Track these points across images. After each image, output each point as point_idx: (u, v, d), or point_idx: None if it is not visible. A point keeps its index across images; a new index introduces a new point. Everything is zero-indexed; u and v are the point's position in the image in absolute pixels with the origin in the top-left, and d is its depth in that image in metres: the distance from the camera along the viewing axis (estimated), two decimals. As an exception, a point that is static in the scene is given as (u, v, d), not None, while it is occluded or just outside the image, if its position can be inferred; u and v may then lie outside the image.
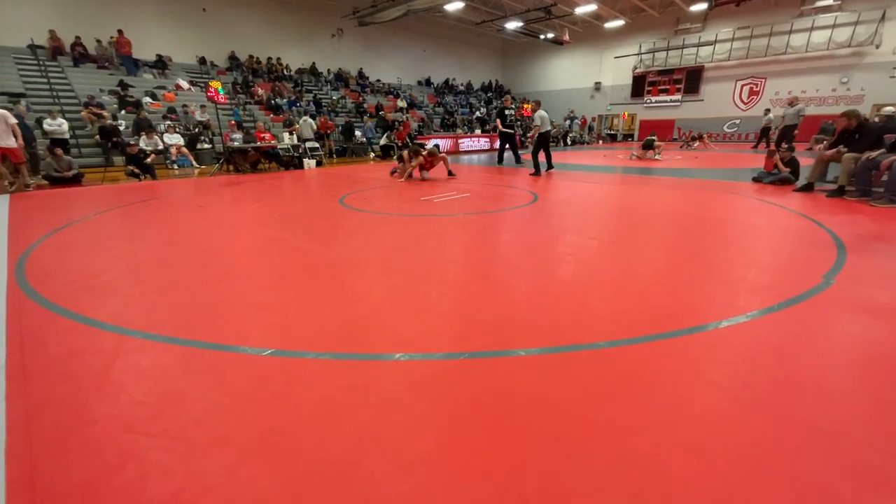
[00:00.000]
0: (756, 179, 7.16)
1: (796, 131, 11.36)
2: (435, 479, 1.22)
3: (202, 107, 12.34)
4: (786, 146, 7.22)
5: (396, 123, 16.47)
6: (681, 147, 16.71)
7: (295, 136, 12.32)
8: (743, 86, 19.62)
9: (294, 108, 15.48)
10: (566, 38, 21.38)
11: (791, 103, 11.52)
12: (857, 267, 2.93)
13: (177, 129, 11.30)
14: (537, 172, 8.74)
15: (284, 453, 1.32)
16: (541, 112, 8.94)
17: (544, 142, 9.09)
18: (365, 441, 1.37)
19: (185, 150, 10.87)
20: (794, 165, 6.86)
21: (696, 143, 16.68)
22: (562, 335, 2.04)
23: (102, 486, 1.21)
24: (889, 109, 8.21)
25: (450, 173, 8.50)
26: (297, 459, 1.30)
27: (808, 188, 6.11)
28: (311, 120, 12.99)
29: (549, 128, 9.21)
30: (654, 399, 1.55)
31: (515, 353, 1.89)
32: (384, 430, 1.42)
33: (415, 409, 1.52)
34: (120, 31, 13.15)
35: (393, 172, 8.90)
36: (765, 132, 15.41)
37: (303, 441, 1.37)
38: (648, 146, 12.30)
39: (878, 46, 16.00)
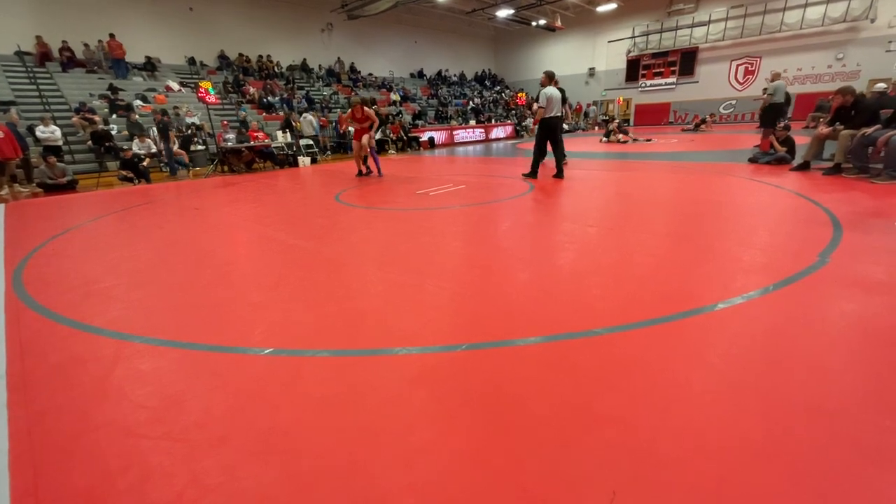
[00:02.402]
0: (752, 160, 7.13)
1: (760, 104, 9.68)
2: (436, 471, 1.23)
3: (189, 111, 12.26)
4: (781, 125, 7.19)
5: (391, 117, 16.38)
6: (684, 130, 16.60)
7: (288, 135, 12.26)
8: (738, 66, 19.44)
9: (286, 105, 15.37)
10: (558, 24, 21.14)
11: (772, 79, 10.12)
12: (853, 244, 2.93)
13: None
14: (533, 173, 6.75)
15: (286, 451, 1.33)
16: (549, 90, 6.32)
17: (550, 131, 6.53)
18: (366, 436, 1.38)
19: (180, 151, 10.81)
20: (790, 144, 6.83)
21: (704, 126, 16.63)
22: (560, 324, 2.05)
23: (106, 491, 1.22)
24: (881, 86, 8.14)
25: (378, 172, 7.85)
26: (298, 457, 1.31)
27: (804, 167, 6.09)
28: (311, 117, 13.05)
29: (557, 112, 6.46)
30: (652, 384, 1.56)
31: (514, 343, 1.90)
32: (385, 424, 1.43)
33: (415, 403, 1.53)
34: (112, 35, 12.98)
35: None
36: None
37: (304, 438, 1.38)
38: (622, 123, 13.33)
39: (873, 21, 15.81)
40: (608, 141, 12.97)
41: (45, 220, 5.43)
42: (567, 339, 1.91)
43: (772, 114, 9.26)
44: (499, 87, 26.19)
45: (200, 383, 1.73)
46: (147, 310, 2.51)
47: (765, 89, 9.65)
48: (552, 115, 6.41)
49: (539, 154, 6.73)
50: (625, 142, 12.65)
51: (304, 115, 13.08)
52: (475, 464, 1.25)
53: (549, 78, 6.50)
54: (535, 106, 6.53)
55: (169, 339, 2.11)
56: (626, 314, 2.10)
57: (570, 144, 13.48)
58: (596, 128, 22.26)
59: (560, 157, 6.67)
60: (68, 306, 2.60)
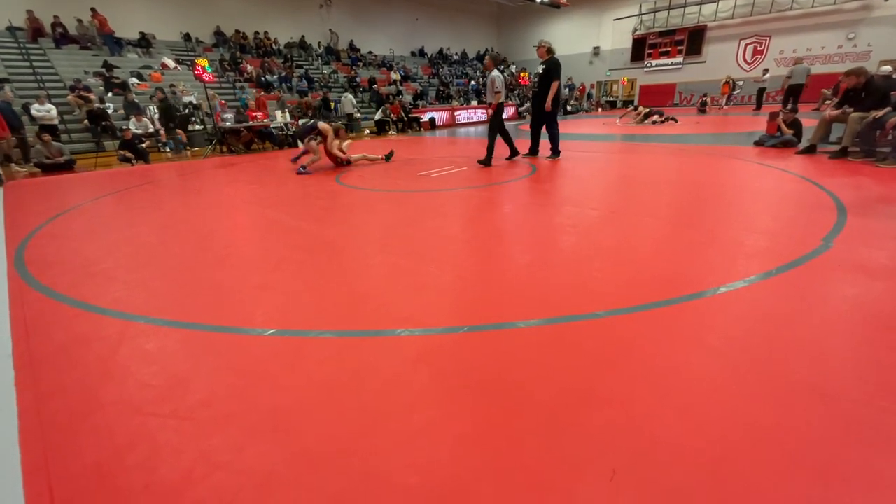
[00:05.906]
0: (758, 143, 7.04)
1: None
2: (438, 450, 1.25)
3: (184, 90, 12.03)
4: (789, 108, 7.07)
5: (391, 97, 16.11)
6: (698, 111, 16.33)
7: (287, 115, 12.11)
8: (747, 45, 18.98)
9: (285, 84, 15.10)
10: None
11: (796, 63, 11.12)
12: (857, 228, 2.91)
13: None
14: (488, 160, 6.38)
15: (290, 430, 1.35)
16: (497, 72, 6.26)
17: (501, 114, 6.51)
18: (369, 416, 1.40)
19: (178, 131, 10.67)
20: (797, 127, 6.73)
21: (709, 106, 16.41)
22: (561, 306, 2.05)
23: (115, 466, 1.24)
24: (886, 69, 8.01)
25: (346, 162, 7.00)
26: (303, 436, 1.33)
27: (810, 150, 6.01)
28: (350, 96, 13.26)
29: (504, 97, 6.43)
30: (652, 366, 1.58)
31: (515, 325, 1.90)
32: (387, 404, 1.45)
33: (417, 384, 1.55)
34: (93, 10, 12.63)
35: (295, 160, 7.30)
36: (760, 93, 15.09)
37: (308, 418, 1.40)
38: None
39: (886, -1, 15.38)
40: (644, 123, 12.79)
41: (45, 201, 5.40)
42: (568, 321, 1.92)
43: (789, 95, 9.39)
44: (501, 67, 25.61)
45: (205, 363, 1.75)
46: (150, 290, 2.52)
47: (765, 70, 9.87)
48: (504, 100, 6.45)
49: (495, 140, 6.54)
50: (661, 122, 12.51)
51: (346, 94, 13.84)
52: (476, 443, 1.27)
53: (495, 62, 6.49)
54: (493, 92, 6.34)
55: (172, 320, 2.12)
56: (628, 297, 2.11)
57: (575, 126, 13.30)
58: (599, 109, 21.89)
59: (491, 147, 6.50)
60: (71, 286, 2.60)
